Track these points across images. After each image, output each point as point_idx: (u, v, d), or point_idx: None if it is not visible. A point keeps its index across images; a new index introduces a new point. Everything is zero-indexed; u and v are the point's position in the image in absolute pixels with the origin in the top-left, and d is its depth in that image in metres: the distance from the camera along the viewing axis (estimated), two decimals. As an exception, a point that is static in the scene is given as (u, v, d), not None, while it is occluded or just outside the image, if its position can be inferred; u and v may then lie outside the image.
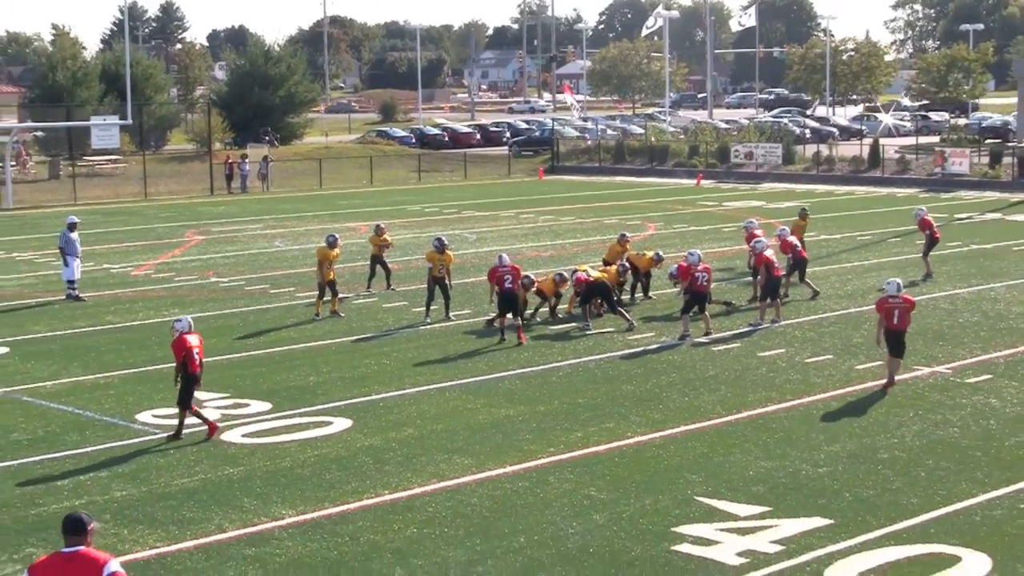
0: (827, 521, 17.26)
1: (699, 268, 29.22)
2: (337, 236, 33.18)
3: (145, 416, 23.02)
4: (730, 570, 15.64)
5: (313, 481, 19.28)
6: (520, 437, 21.46)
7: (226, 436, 21.63)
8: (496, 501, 18.34)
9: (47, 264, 42.05)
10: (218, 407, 23.51)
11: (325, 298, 32.07)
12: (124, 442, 21.48)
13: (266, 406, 23.64)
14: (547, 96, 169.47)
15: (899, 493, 18.46)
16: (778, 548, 16.31)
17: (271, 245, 47.41)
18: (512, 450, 20.71)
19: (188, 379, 21.46)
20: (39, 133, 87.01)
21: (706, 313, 29.52)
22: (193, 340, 21.60)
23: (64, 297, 35.23)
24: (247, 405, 23.68)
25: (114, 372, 26.65)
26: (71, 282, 35.45)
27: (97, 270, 40.23)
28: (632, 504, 18.09)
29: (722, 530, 16.98)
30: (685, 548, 16.38)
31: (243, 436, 21.66)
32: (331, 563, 16.06)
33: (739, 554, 16.13)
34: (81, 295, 35.20)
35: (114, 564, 10.85)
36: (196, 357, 21.46)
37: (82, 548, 10.91)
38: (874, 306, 25.73)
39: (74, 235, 35.62)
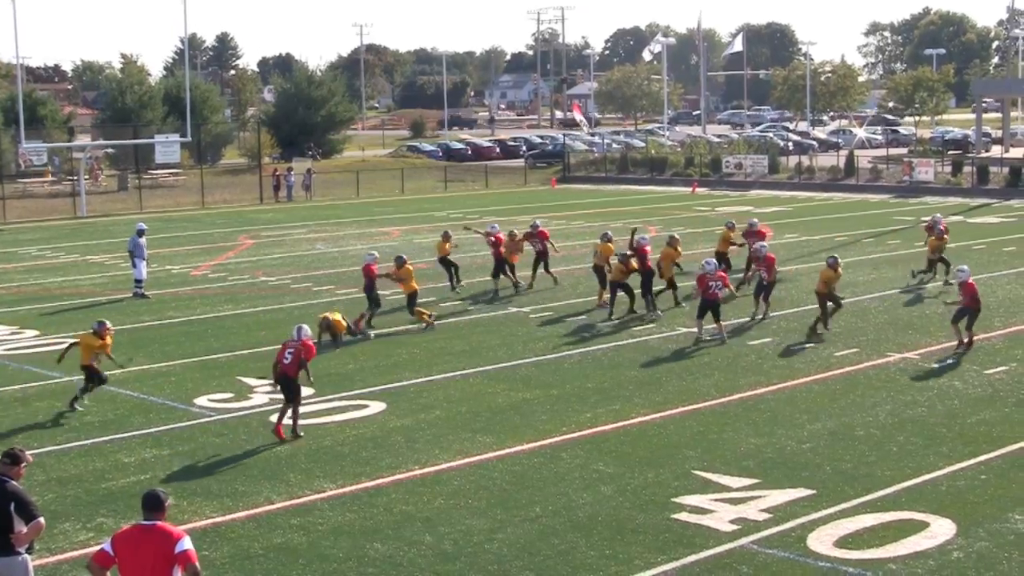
0: (810, 491, 17.16)
1: (714, 276, 27.86)
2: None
3: (202, 400, 22.98)
4: (724, 536, 15.54)
5: (351, 458, 19.22)
6: (536, 418, 21.38)
7: (274, 418, 21.49)
8: (515, 475, 18.26)
9: (116, 266, 42.04)
10: (267, 392, 23.43)
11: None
12: (184, 424, 21.44)
13: (309, 391, 23.49)
14: (559, 114, 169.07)
15: (874, 466, 18.35)
16: (766, 516, 16.21)
17: (314, 248, 47.33)
18: (529, 429, 20.62)
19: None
20: (110, 150, 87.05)
21: (720, 321, 27.85)
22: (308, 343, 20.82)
23: (131, 295, 35.21)
24: (293, 390, 23.57)
25: (175, 361, 26.61)
26: (138, 281, 35.42)
27: (160, 271, 40.16)
28: (636, 477, 18.00)
29: (716, 500, 16.89)
30: (683, 516, 16.28)
31: (289, 418, 21.55)
32: (367, 531, 15.99)
33: (731, 521, 16.04)
34: (146, 293, 35.16)
35: (187, 542, 10.73)
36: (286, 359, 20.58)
37: (159, 522, 10.82)
38: (961, 288, 26.48)
39: (142, 240, 35.59)
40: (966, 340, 26.09)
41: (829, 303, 28.25)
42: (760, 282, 30.47)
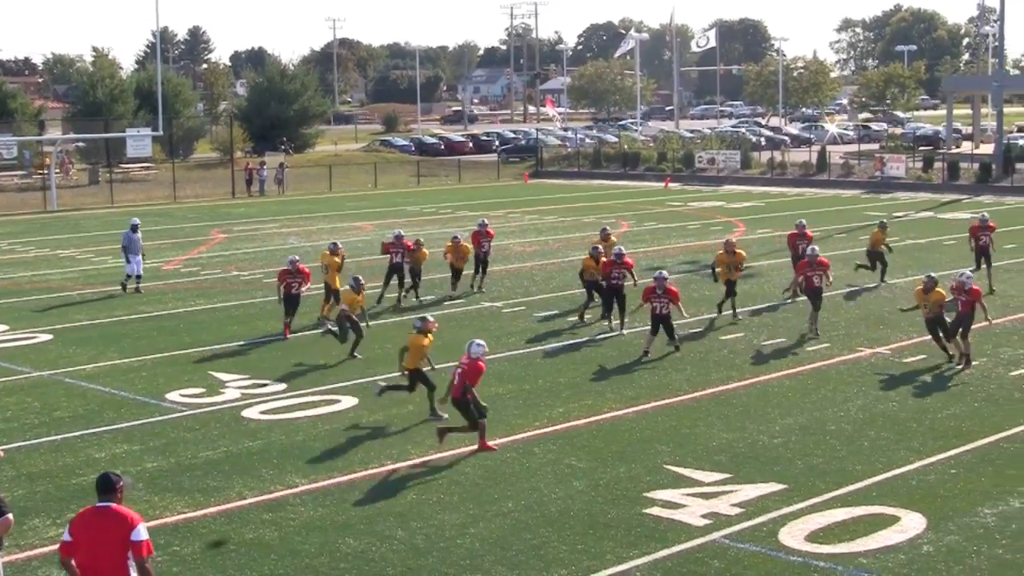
0: (781, 486, 17.21)
1: (663, 290, 25.63)
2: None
3: (174, 395, 22.90)
4: (695, 530, 15.57)
5: (324, 453, 19.18)
6: (508, 413, 21.36)
7: (246, 413, 21.52)
8: (487, 470, 18.25)
9: (87, 260, 41.89)
10: (239, 387, 23.41)
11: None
12: (155, 419, 21.36)
13: (282, 386, 23.53)
14: (532, 109, 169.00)
15: (845, 461, 18.41)
16: (738, 511, 16.25)
17: (286, 242, 47.21)
18: (501, 424, 20.59)
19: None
20: (80, 144, 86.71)
21: (674, 336, 26.21)
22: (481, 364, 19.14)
23: (134, 289, 34.91)
24: (265, 385, 23.56)
25: (146, 356, 26.51)
26: (130, 277, 35.13)
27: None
28: (608, 472, 18.02)
29: (688, 495, 16.92)
30: (655, 511, 16.31)
31: (261, 413, 21.54)
32: (340, 526, 15.97)
33: (703, 516, 16.07)
34: (126, 286, 34.93)
35: (144, 531, 10.77)
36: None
37: (113, 505, 10.86)
38: (964, 293, 24.37)
39: (137, 235, 35.46)
40: (964, 352, 24.48)
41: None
42: (818, 288, 27.61)
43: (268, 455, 19.11)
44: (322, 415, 21.41)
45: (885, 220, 35.84)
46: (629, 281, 28.74)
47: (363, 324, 26.36)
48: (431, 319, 21.58)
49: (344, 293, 26.27)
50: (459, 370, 19.15)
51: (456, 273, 33.54)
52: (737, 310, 29.64)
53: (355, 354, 25.66)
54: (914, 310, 26.04)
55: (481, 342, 19.47)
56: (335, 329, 26.31)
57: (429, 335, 21.20)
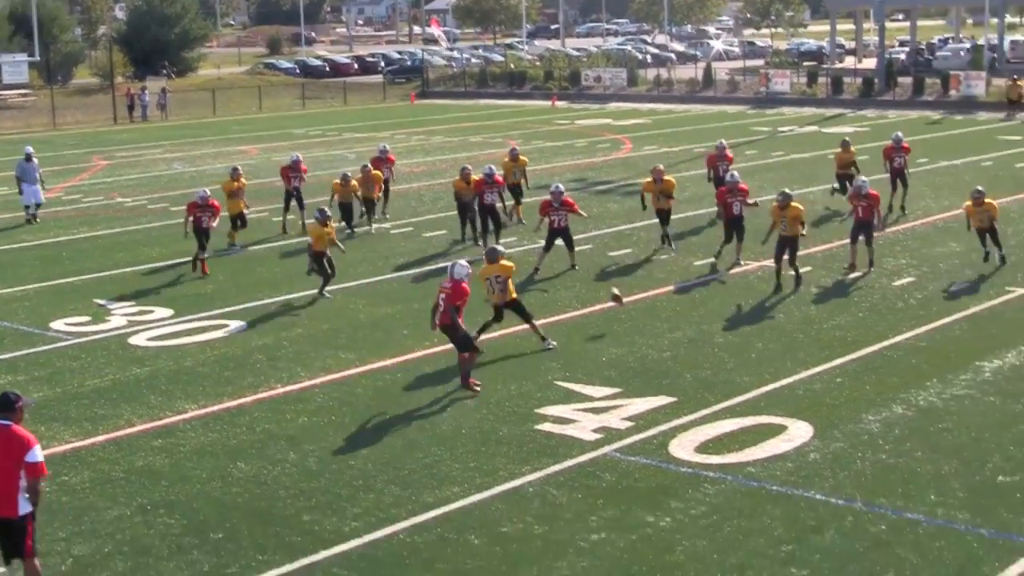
0: (671, 399, 17.39)
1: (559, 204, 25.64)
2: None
3: (58, 324, 22.52)
4: (587, 445, 15.70)
5: (212, 378, 19.02)
6: (397, 333, 21.34)
7: (132, 340, 21.24)
8: (378, 391, 18.23)
9: (-36, 189, 40.98)
10: (125, 314, 23.09)
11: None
12: (39, 348, 21.01)
13: (168, 312, 23.25)
14: (417, 29, 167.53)
15: (733, 372, 18.66)
16: (628, 424, 16.41)
17: (170, 168, 46.54)
18: (391, 345, 20.59)
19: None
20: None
21: (572, 249, 26.26)
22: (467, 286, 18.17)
23: (26, 220, 34.23)
24: (151, 312, 23.26)
25: (29, 285, 26.03)
26: (27, 207, 34.51)
27: (11, 194, 39.08)
28: (499, 390, 18.07)
29: (579, 410, 17.04)
30: (547, 427, 16.41)
31: (148, 340, 21.28)
32: (231, 450, 15.87)
33: (594, 431, 16.20)
34: (36, 217, 34.33)
35: (39, 452, 10.85)
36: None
37: (12, 424, 10.90)
38: (864, 199, 25.02)
39: (32, 164, 34.68)
40: (869, 257, 25.18)
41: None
42: (738, 217, 26.56)
43: (156, 382, 18.91)
44: (210, 340, 21.21)
45: (848, 138, 35.37)
46: (500, 203, 28.81)
47: (340, 251, 25.25)
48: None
49: (310, 227, 24.63)
50: (442, 295, 18.17)
51: (368, 204, 31.66)
52: (672, 241, 28.26)
53: (324, 293, 24.32)
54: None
55: (465, 263, 18.47)
56: (315, 267, 24.31)
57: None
